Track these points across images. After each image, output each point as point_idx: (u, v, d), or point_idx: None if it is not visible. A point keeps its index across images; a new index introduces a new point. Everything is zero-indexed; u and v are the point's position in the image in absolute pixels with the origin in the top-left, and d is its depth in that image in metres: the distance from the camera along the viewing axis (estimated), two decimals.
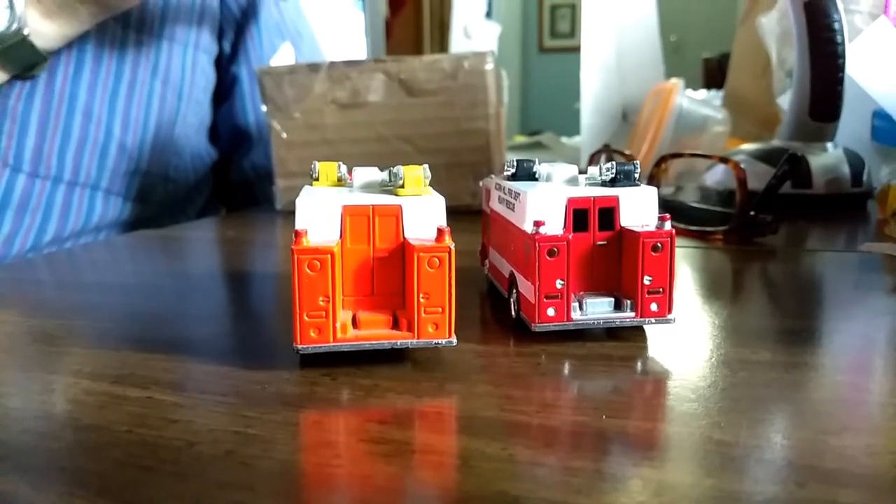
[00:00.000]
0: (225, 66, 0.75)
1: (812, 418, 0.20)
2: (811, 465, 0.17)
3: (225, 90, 0.75)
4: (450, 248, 0.24)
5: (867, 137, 0.62)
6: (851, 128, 0.61)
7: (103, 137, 0.62)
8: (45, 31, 0.53)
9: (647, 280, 0.26)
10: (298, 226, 0.24)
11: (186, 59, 0.68)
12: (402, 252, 0.25)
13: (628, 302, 0.26)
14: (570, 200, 0.26)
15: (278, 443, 0.19)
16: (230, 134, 0.77)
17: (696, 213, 0.51)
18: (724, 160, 0.51)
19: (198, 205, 0.77)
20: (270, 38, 0.75)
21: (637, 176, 0.27)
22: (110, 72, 0.62)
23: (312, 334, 0.23)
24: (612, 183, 0.27)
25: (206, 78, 0.72)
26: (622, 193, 0.27)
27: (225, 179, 0.80)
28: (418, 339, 0.24)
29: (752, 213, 0.44)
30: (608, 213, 0.27)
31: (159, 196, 0.69)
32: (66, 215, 0.61)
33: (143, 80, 0.64)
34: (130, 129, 0.64)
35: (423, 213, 0.25)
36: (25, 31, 0.51)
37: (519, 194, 0.27)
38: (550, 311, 0.26)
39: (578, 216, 0.27)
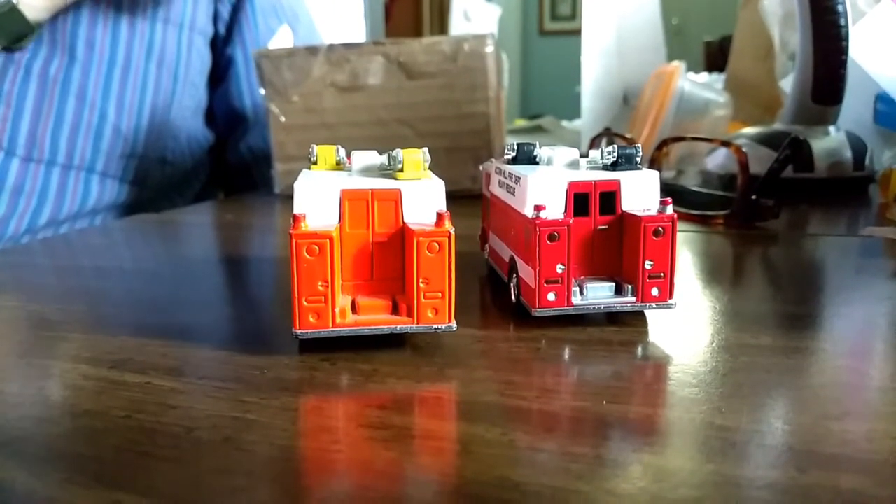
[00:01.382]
0: (220, 47, 0.74)
1: (813, 403, 0.20)
2: (812, 450, 0.17)
3: (220, 72, 0.75)
4: (449, 233, 0.23)
5: (870, 121, 0.62)
6: (854, 111, 0.60)
7: (98, 120, 0.62)
8: (35, 1, 0.53)
9: (648, 265, 0.26)
10: (297, 210, 0.24)
11: (182, 41, 0.68)
12: (401, 236, 0.25)
13: (629, 286, 0.26)
14: (571, 184, 0.26)
15: (277, 428, 0.19)
16: (226, 116, 0.76)
17: (697, 198, 0.51)
18: (725, 144, 0.50)
19: (195, 188, 0.77)
20: (266, 20, 0.75)
21: (638, 160, 0.27)
22: (104, 54, 0.61)
23: (311, 319, 0.23)
24: (614, 167, 0.27)
25: (201, 60, 0.71)
26: (623, 177, 0.27)
27: (222, 162, 0.80)
28: (418, 324, 0.24)
29: (753, 197, 0.44)
30: (609, 197, 0.27)
31: (156, 179, 0.69)
32: (62, 198, 0.61)
33: (137, 62, 0.64)
34: (125, 111, 0.64)
35: (423, 198, 0.25)
36: (15, 0, 0.51)
37: (519, 178, 0.27)
38: (551, 296, 0.26)
39: (579, 200, 0.26)
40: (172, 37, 0.67)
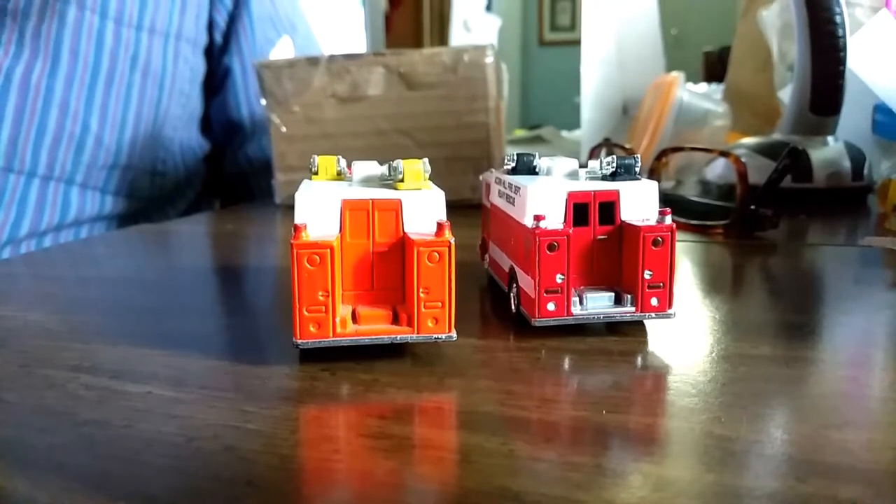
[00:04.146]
0: (216, 57, 0.74)
1: (812, 413, 0.20)
2: (812, 459, 0.17)
3: (217, 82, 0.75)
4: (450, 243, 0.24)
5: (868, 131, 0.62)
6: (852, 121, 0.60)
7: (79, 132, 0.61)
8: None
9: (647, 274, 0.26)
10: (298, 220, 0.24)
11: (168, 51, 0.67)
12: (401, 246, 0.25)
13: (629, 296, 0.26)
14: (571, 194, 0.26)
15: (278, 438, 0.19)
16: (224, 126, 0.76)
17: (696, 208, 0.51)
18: (724, 154, 0.51)
19: (189, 198, 0.76)
20: (264, 30, 0.75)
21: (637, 170, 0.27)
22: (88, 65, 0.61)
23: (312, 329, 0.23)
24: (613, 177, 0.27)
25: (190, 69, 0.71)
26: (622, 187, 0.27)
27: (217, 172, 0.79)
28: (418, 333, 0.24)
29: (752, 207, 0.44)
30: (608, 208, 0.27)
31: (146, 190, 0.69)
32: (41, 210, 0.60)
33: (121, 72, 0.63)
34: (108, 122, 0.63)
35: (423, 208, 0.25)
36: None
37: (519, 188, 0.27)
38: (550, 306, 0.26)
39: (579, 210, 0.26)
40: (158, 46, 0.66)
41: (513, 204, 0.28)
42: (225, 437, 0.19)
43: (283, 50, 0.76)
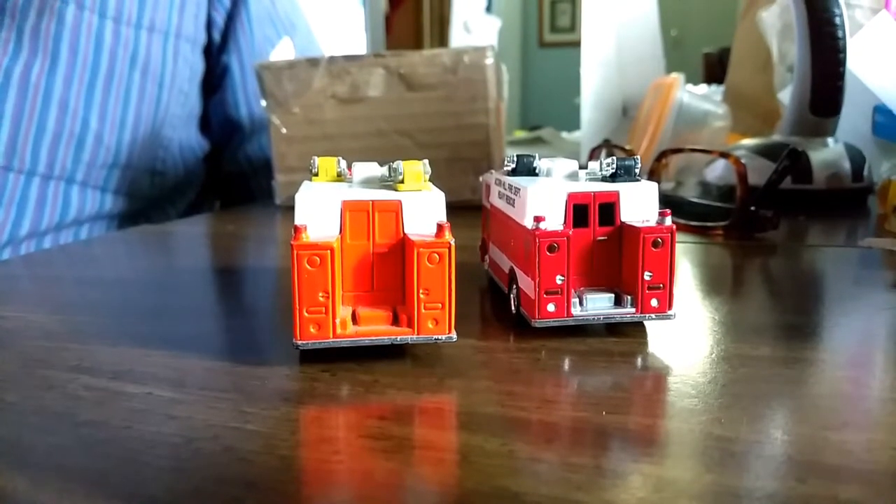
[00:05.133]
0: (215, 55, 0.74)
1: (812, 414, 0.20)
2: (811, 460, 0.17)
3: (216, 80, 0.75)
4: (450, 244, 0.24)
5: (868, 132, 0.62)
6: (852, 123, 0.60)
7: (79, 130, 0.61)
8: None
9: (647, 276, 0.26)
10: (298, 221, 0.24)
11: (167, 49, 0.67)
12: (401, 247, 0.25)
13: (629, 297, 0.26)
14: (571, 196, 0.26)
15: (278, 438, 0.19)
16: (222, 125, 0.76)
17: (696, 209, 0.51)
18: (724, 155, 0.51)
19: (189, 197, 0.76)
20: (262, 29, 0.75)
21: (637, 171, 0.27)
22: (87, 63, 0.61)
23: (312, 330, 0.23)
24: (613, 178, 0.27)
25: (190, 67, 0.71)
26: (622, 189, 0.27)
27: (217, 171, 0.79)
28: (418, 334, 0.24)
29: (752, 208, 0.44)
30: (608, 209, 0.27)
31: (146, 189, 0.69)
32: (42, 209, 0.60)
33: (121, 71, 0.63)
34: (108, 121, 0.63)
35: (423, 209, 0.25)
36: None
37: (519, 189, 0.27)
38: (550, 307, 0.26)
39: (578, 211, 0.26)
40: (157, 45, 0.66)
41: (513, 205, 0.28)
42: (225, 437, 0.19)
43: (283, 51, 0.76)
